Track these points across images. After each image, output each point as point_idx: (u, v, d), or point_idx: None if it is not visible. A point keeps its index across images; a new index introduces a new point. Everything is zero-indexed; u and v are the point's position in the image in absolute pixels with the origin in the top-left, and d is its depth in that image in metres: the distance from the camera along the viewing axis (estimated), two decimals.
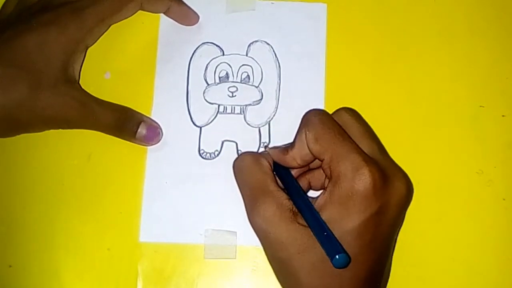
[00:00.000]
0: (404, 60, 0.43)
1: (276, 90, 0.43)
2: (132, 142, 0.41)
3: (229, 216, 0.41)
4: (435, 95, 0.43)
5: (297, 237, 0.33)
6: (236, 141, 0.42)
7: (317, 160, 0.36)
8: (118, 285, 0.40)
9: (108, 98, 0.41)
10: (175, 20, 0.43)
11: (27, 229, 0.41)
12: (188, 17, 0.43)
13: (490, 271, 0.40)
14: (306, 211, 0.34)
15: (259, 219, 0.34)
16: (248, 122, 0.42)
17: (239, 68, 0.43)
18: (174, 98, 0.43)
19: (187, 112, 0.42)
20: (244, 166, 0.37)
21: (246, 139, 0.42)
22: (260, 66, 0.43)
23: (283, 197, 0.35)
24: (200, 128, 0.42)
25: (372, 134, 0.37)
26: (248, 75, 0.43)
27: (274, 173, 0.37)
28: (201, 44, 0.44)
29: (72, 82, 0.40)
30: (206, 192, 0.41)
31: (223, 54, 0.43)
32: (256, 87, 0.43)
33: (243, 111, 0.42)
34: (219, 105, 0.43)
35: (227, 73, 0.43)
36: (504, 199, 0.41)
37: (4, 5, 0.43)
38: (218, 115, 0.42)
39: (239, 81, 0.43)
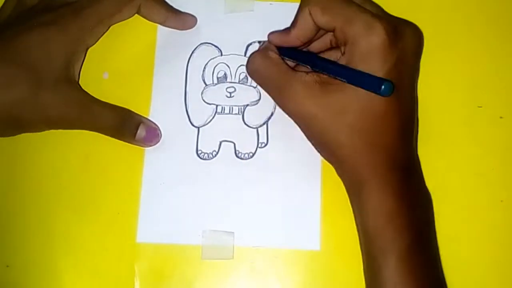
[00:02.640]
0: None
1: None
2: (131, 143, 0.41)
3: (226, 217, 0.41)
4: (433, 95, 0.42)
5: (329, 105, 0.36)
6: (234, 141, 0.42)
7: (323, 41, 0.39)
8: (115, 286, 0.40)
9: (106, 98, 0.41)
10: (173, 28, 0.43)
11: (24, 229, 0.41)
12: (186, 23, 0.43)
13: (488, 272, 0.40)
14: (334, 65, 0.36)
15: (290, 105, 0.37)
16: (246, 123, 0.42)
17: (237, 68, 0.43)
18: (172, 98, 0.43)
19: (185, 112, 0.42)
20: (256, 66, 0.39)
21: (244, 139, 0.42)
22: None
23: (302, 75, 0.37)
24: (198, 128, 0.42)
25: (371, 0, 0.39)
26: (246, 76, 0.43)
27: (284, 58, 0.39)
28: (199, 45, 0.43)
29: (72, 82, 0.40)
30: (204, 192, 0.41)
31: (221, 55, 0.43)
32: (254, 87, 0.43)
33: (241, 112, 0.42)
34: (217, 106, 0.43)
35: (225, 74, 0.43)
36: (502, 201, 0.41)
37: (2, 6, 0.43)
38: (216, 115, 0.42)
39: (237, 81, 0.43)
